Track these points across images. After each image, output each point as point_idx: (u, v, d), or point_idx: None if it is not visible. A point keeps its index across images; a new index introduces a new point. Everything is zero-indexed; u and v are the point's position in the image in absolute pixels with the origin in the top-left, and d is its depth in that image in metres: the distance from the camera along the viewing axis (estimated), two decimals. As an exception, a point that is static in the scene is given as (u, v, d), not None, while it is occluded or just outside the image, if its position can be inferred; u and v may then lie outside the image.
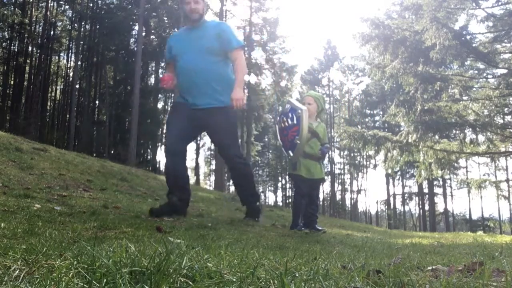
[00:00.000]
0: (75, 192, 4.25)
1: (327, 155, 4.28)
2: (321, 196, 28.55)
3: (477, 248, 2.84)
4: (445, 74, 10.78)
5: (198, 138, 33.41)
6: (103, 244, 1.46)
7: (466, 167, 31.33)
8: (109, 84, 28.87)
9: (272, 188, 46.14)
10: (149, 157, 30.76)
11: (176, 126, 3.37)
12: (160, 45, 27.87)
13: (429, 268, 1.39)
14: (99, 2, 29.35)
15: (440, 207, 32.52)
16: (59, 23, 30.73)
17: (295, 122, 3.65)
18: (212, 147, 39.96)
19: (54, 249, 1.21)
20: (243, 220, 3.68)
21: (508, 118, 11.03)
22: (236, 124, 3.73)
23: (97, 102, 30.85)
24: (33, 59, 29.00)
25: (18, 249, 1.17)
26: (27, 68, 28.71)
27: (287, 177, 40.34)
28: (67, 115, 29.56)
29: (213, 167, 42.51)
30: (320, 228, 3.88)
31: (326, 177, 4.47)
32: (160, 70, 31.15)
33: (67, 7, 29.99)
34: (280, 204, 38.76)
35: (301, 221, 3.92)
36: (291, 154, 3.70)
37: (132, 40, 29.06)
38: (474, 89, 10.73)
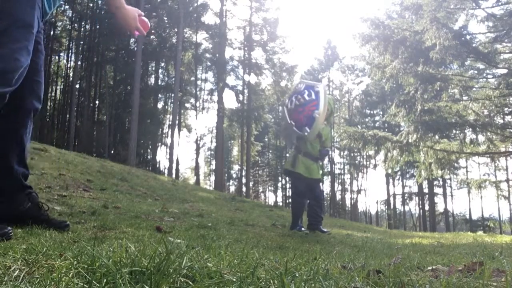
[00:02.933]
0: (75, 192, 4.26)
1: (326, 158, 4.26)
2: (321, 196, 28.31)
3: (477, 248, 2.84)
4: (445, 74, 10.79)
5: (198, 138, 33.37)
6: (103, 244, 1.46)
7: (466, 167, 31.32)
8: (109, 84, 28.89)
9: (272, 188, 46.11)
10: (149, 157, 30.79)
11: None
12: (160, 45, 27.86)
13: (429, 268, 1.39)
14: (99, 2, 29.34)
15: (440, 207, 32.52)
16: (59, 23, 30.69)
17: (313, 97, 3.61)
18: (212, 146, 39.94)
19: (54, 249, 1.21)
20: None
21: (508, 118, 11.04)
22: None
23: (97, 102, 30.86)
24: (33, 59, 28.93)
25: (18, 249, 1.17)
26: (27, 68, 28.63)
27: (286, 176, 40.28)
28: (67, 115, 29.51)
29: (213, 167, 42.52)
30: (325, 230, 3.85)
31: (325, 177, 4.43)
32: (160, 70, 31.14)
33: (67, 7, 29.95)
34: (280, 204, 38.74)
35: (301, 221, 3.92)
36: (308, 130, 3.59)
37: (132, 40, 29.04)
38: (474, 89, 10.74)
